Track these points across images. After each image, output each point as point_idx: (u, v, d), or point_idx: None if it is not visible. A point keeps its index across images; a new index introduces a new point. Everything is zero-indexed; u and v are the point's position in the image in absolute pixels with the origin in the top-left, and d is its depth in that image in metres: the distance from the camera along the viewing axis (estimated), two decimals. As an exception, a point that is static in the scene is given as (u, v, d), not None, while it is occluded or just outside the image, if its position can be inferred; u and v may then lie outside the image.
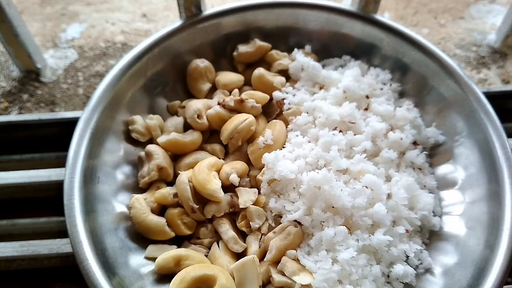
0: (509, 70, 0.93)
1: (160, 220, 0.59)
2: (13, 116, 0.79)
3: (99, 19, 1.04)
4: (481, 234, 0.56)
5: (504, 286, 0.51)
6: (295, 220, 0.57)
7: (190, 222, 0.60)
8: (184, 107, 0.70)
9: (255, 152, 0.63)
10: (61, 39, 1.00)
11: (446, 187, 0.64)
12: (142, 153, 0.65)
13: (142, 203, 0.59)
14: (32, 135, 0.79)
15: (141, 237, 0.59)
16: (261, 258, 0.57)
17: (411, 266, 0.57)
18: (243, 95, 0.67)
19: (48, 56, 0.95)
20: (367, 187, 0.57)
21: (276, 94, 0.69)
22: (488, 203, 0.58)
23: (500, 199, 0.56)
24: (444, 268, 0.57)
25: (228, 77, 0.72)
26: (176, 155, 0.66)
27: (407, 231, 0.57)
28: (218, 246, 0.59)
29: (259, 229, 0.59)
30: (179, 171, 0.62)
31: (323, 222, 0.56)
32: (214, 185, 0.58)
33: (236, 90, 0.70)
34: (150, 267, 0.57)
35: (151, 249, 0.58)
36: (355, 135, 0.63)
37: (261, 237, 0.58)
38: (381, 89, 0.71)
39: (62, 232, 0.67)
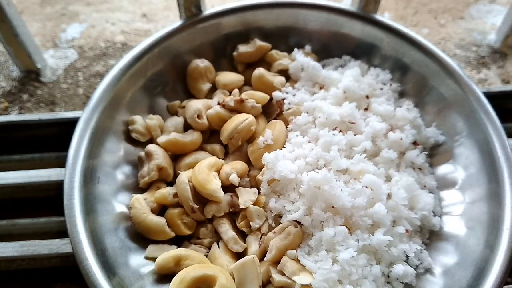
0: (509, 70, 0.93)
1: (160, 220, 0.59)
2: (13, 116, 0.79)
3: (99, 19, 1.04)
4: (481, 234, 0.56)
5: (504, 286, 0.51)
6: (295, 220, 0.57)
7: (190, 222, 0.60)
8: (184, 107, 0.70)
9: (255, 152, 0.63)
10: (61, 39, 1.00)
11: (446, 187, 0.64)
12: (142, 153, 0.65)
13: (142, 203, 0.59)
14: (32, 135, 0.79)
15: (141, 237, 0.59)
16: (261, 258, 0.57)
17: (411, 266, 0.57)
18: (243, 95, 0.67)
19: (48, 56, 0.95)
20: (367, 187, 0.57)
21: (276, 94, 0.69)
22: (488, 203, 0.58)
23: (500, 199, 0.56)
24: (444, 268, 0.57)
25: (228, 77, 0.72)
26: (176, 155, 0.66)
27: (407, 231, 0.57)
28: (218, 246, 0.59)
29: (259, 229, 0.59)
30: (179, 171, 0.62)
31: (323, 222, 0.56)
32: (214, 185, 0.58)
33: (236, 90, 0.70)
34: (150, 267, 0.57)
35: (151, 249, 0.58)
36: (355, 135, 0.63)
37: (261, 237, 0.58)
38: (381, 89, 0.71)
39: (62, 232, 0.67)
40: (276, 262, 0.56)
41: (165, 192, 0.61)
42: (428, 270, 0.58)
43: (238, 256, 0.58)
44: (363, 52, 0.75)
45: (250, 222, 0.58)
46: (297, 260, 0.56)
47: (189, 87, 0.73)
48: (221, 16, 0.74)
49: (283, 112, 0.68)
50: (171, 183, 0.64)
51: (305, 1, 0.75)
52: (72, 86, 0.91)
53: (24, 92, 0.89)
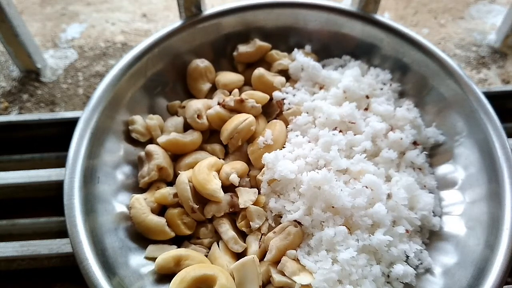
0: (509, 70, 0.93)
1: (160, 220, 0.59)
2: (13, 116, 0.79)
3: (99, 19, 1.04)
4: (481, 234, 0.56)
5: (504, 286, 0.51)
6: (295, 220, 0.57)
7: (190, 222, 0.60)
8: (184, 107, 0.70)
9: (255, 152, 0.63)
10: (61, 39, 1.00)
11: (446, 187, 0.64)
12: (142, 153, 0.65)
13: (142, 203, 0.59)
14: (32, 135, 0.79)
15: (141, 237, 0.59)
16: (261, 258, 0.57)
17: (411, 266, 0.57)
18: (243, 95, 0.67)
19: (48, 56, 0.95)
20: (367, 187, 0.57)
21: (276, 94, 0.69)
22: (488, 203, 0.58)
23: (500, 199, 0.56)
24: (444, 268, 0.57)
25: (228, 77, 0.72)
26: (176, 155, 0.66)
27: (407, 231, 0.57)
28: (218, 246, 0.59)
29: (259, 229, 0.59)
30: (179, 171, 0.62)
31: (323, 222, 0.56)
32: (214, 185, 0.58)
33: (236, 90, 0.70)
34: (150, 267, 0.57)
35: (151, 249, 0.58)
36: (355, 135, 0.63)
37: (261, 237, 0.58)
38: (381, 89, 0.71)
39: (62, 232, 0.67)
40: (276, 262, 0.56)
41: (165, 192, 0.61)
42: (428, 270, 0.58)
43: (238, 256, 0.58)
44: (363, 52, 0.75)
45: (250, 222, 0.58)
46: (297, 260, 0.56)
47: (189, 87, 0.73)
48: (221, 16, 0.74)
49: (283, 112, 0.68)
50: (171, 183, 0.64)
51: (305, 1, 0.75)
52: (72, 86, 0.91)
53: (24, 92, 0.89)
